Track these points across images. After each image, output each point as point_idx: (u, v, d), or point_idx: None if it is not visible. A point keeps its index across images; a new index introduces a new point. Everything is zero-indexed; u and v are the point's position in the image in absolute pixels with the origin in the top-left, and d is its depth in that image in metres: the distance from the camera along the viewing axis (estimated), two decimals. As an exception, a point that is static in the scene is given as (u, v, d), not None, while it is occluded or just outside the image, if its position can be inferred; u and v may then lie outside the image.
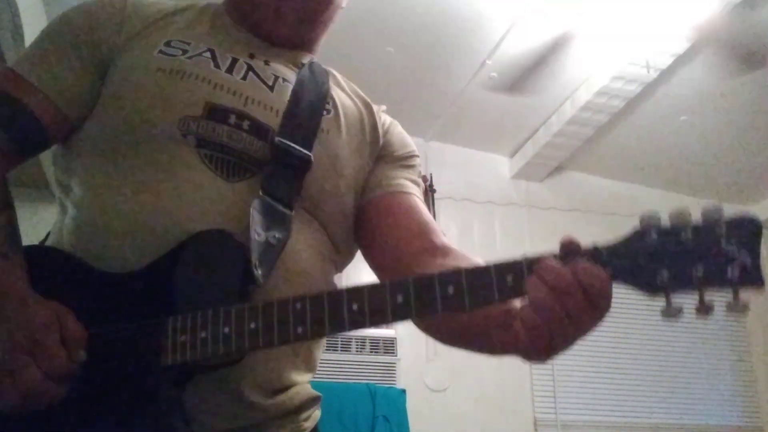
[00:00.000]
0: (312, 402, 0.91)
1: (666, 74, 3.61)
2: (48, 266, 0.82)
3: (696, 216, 0.64)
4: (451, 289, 0.67)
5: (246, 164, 0.87)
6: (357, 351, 3.86)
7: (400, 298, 0.69)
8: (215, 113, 0.87)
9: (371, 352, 3.89)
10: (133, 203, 0.83)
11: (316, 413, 0.93)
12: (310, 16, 1.01)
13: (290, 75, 0.99)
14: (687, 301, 0.63)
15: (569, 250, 0.66)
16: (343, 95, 1.04)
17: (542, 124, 4.26)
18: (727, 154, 4.42)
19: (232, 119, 0.88)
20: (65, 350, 0.73)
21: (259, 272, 0.78)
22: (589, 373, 4.22)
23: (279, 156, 0.87)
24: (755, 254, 0.61)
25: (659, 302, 0.64)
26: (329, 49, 1.11)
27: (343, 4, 1.06)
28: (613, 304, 0.67)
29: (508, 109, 4.08)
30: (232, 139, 0.87)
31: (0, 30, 2.50)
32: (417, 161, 1.07)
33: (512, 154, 4.67)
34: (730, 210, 0.63)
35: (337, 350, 3.78)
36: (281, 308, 0.72)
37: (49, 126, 0.89)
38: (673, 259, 0.63)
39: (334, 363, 3.75)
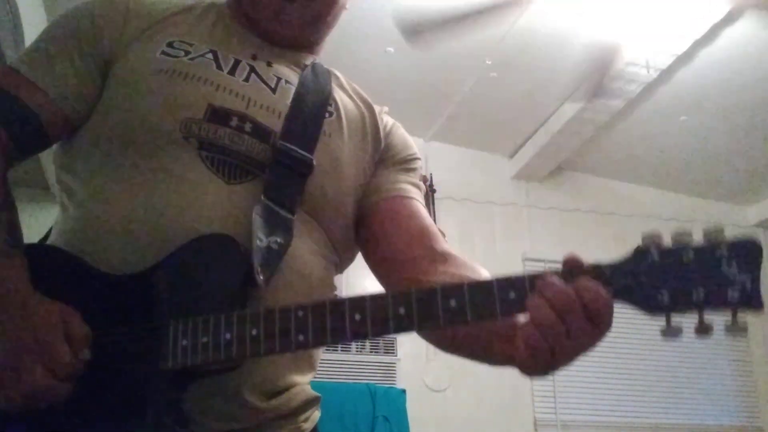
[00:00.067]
0: (311, 403, 0.91)
1: (666, 74, 3.61)
2: (49, 265, 0.82)
3: (697, 236, 0.65)
4: (453, 303, 0.68)
5: (247, 167, 0.87)
6: (357, 351, 3.86)
7: (402, 310, 0.69)
8: (217, 115, 0.87)
9: (371, 352, 3.89)
10: (134, 204, 0.83)
11: (316, 414, 0.93)
12: (314, 18, 1.01)
13: (293, 76, 0.98)
14: (686, 320, 0.65)
15: (572, 267, 0.67)
16: (345, 97, 1.03)
17: (542, 124, 4.27)
18: (727, 154, 4.42)
19: (234, 121, 0.88)
20: (70, 349, 0.73)
21: (261, 278, 0.78)
22: (589, 373, 4.22)
23: (281, 159, 0.87)
24: (755, 277, 0.63)
25: (659, 321, 0.65)
26: (329, 49, 1.11)
27: (347, 5, 1.06)
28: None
29: (508, 109, 4.09)
30: (234, 141, 0.87)
31: (0, 30, 2.50)
32: (418, 164, 1.07)
33: (512, 154, 4.67)
34: (731, 229, 0.65)
35: (337, 350, 3.78)
36: (283, 316, 0.72)
37: (50, 124, 0.89)
38: (675, 280, 0.64)
39: (334, 363, 3.75)
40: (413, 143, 1.09)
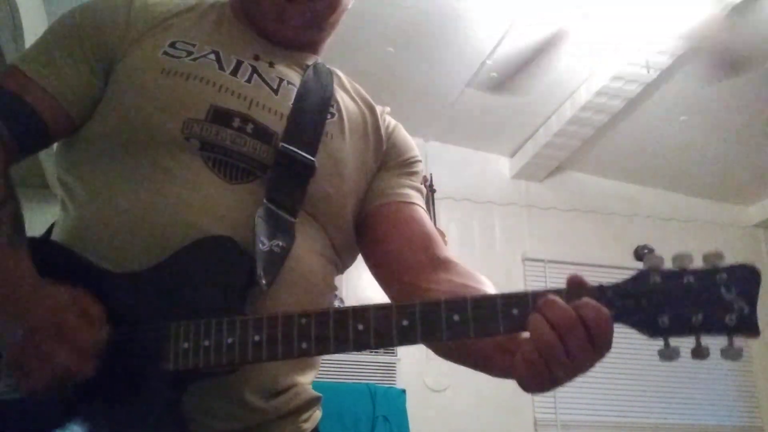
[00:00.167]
0: (312, 403, 0.91)
1: (666, 74, 3.61)
2: (50, 260, 0.82)
3: (697, 260, 0.67)
4: (456, 318, 0.69)
5: (249, 168, 0.87)
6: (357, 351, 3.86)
7: (405, 322, 0.70)
8: (219, 116, 0.87)
9: (371, 352, 3.89)
10: (134, 204, 0.83)
11: (317, 414, 0.93)
12: (316, 19, 1.01)
13: (295, 77, 0.98)
14: (683, 343, 0.67)
15: (575, 287, 0.69)
16: (346, 97, 1.03)
17: (542, 124, 4.27)
18: (727, 154, 4.42)
19: (236, 123, 0.87)
20: (89, 327, 0.73)
21: (264, 282, 0.78)
22: (588, 373, 4.21)
23: (283, 161, 0.87)
24: (752, 303, 0.64)
25: (657, 342, 0.67)
26: (329, 49, 1.11)
27: (349, 6, 1.06)
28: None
29: (508, 109, 4.09)
30: (236, 142, 0.86)
31: (0, 30, 2.50)
32: (420, 166, 1.07)
33: (512, 154, 4.68)
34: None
35: (337, 350, 3.78)
36: (286, 322, 0.72)
37: (51, 123, 0.89)
38: (674, 304, 0.66)
39: (334, 363, 3.75)
40: (414, 144, 1.09)
